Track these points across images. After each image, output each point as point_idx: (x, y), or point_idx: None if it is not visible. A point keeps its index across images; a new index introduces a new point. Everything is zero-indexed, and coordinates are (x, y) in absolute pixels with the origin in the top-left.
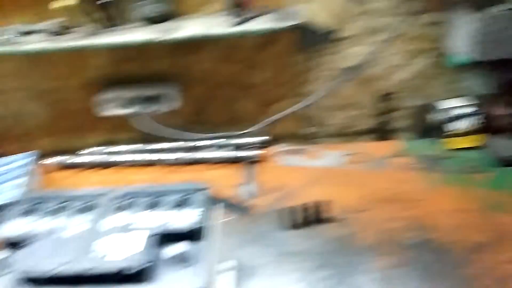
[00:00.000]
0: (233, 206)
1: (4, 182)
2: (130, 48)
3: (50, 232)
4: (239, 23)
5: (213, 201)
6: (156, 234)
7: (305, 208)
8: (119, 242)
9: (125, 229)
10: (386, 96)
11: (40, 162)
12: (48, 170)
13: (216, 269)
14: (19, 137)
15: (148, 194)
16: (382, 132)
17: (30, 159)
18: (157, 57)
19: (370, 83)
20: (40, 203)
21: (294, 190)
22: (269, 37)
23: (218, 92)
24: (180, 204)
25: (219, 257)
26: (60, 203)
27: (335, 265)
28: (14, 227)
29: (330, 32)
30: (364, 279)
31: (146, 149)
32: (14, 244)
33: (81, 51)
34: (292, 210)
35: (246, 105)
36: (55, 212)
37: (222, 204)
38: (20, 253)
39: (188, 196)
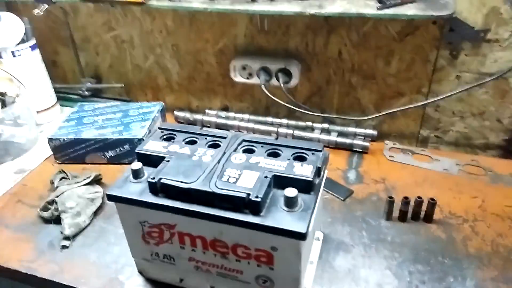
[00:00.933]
0: (335, 186)
1: (133, 122)
2: (269, 21)
3: (184, 156)
4: (385, 7)
5: (325, 164)
6: (273, 176)
7: (406, 203)
8: (243, 176)
9: (248, 167)
10: None
11: (164, 113)
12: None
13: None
14: (150, 89)
15: (268, 144)
16: (509, 150)
17: (156, 108)
18: (290, 33)
19: (509, 94)
20: (174, 133)
21: (399, 185)
22: (411, 27)
23: (339, 77)
24: (296, 158)
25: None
26: (191, 137)
27: (428, 263)
28: (152, 146)
29: (479, 31)
30: (457, 283)
31: (262, 121)
32: (150, 159)
33: (226, 19)
34: (392, 202)
35: (365, 95)
36: (188, 142)
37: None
38: (159, 167)
39: (304, 153)
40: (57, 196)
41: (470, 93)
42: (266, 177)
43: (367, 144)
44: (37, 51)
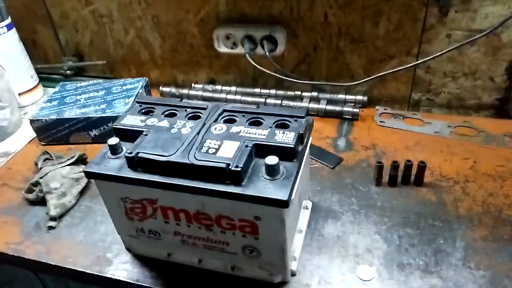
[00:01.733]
0: (324, 155)
1: (117, 99)
2: None
3: (162, 128)
4: None
5: (308, 130)
6: (254, 145)
7: (395, 167)
8: (223, 146)
9: (229, 137)
10: None
11: (149, 89)
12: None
13: (299, 193)
14: (134, 64)
15: (250, 113)
16: (502, 109)
17: (140, 84)
18: None
19: (501, 51)
20: (153, 106)
21: (389, 151)
22: None
23: (326, 42)
24: (279, 125)
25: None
26: (171, 109)
27: (418, 226)
28: (129, 121)
29: None
30: (447, 245)
31: (249, 92)
32: (129, 134)
33: None
34: (381, 167)
35: (353, 59)
36: (167, 115)
37: (314, 148)
38: (136, 141)
39: (286, 120)
40: (41, 178)
41: (461, 52)
42: (246, 146)
43: (357, 110)
44: (13, 30)
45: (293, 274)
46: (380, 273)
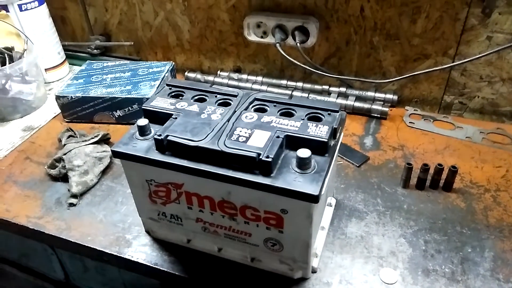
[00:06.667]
0: (350, 152)
1: (142, 81)
2: None
3: (192, 113)
4: None
5: (341, 125)
6: (285, 137)
7: (425, 170)
8: (254, 135)
9: (260, 126)
10: None
11: (175, 73)
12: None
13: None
14: (161, 48)
15: (282, 103)
16: None
17: (166, 67)
18: None
19: None
20: (183, 90)
21: (418, 153)
22: None
23: (360, 37)
24: (311, 118)
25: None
26: (201, 94)
27: (445, 233)
28: (159, 103)
29: None
30: (475, 254)
31: (276, 83)
32: (158, 116)
33: None
34: (411, 168)
35: (386, 56)
36: (197, 100)
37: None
38: (166, 124)
39: (319, 113)
40: (65, 154)
41: (501, 56)
42: (278, 137)
43: (386, 109)
44: (44, 5)
45: (314, 271)
46: (404, 278)
